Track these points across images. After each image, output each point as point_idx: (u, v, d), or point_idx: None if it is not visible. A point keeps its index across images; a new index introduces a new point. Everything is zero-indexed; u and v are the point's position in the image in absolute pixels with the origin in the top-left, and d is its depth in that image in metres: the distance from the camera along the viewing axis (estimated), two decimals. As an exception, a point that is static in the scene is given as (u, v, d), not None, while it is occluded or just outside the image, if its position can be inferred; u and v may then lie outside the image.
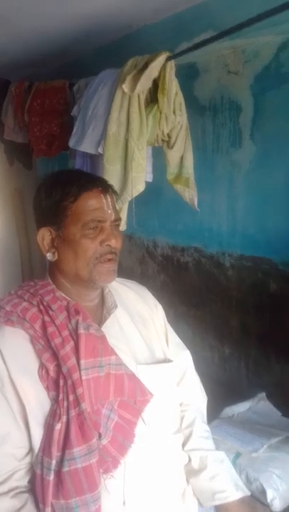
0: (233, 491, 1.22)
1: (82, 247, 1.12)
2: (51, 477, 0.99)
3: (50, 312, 1.10)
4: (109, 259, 1.15)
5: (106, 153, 2.06)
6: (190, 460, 1.26)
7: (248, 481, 1.39)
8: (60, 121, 2.65)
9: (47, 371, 1.05)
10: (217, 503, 1.21)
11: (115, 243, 1.14)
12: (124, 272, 3.37)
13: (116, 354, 1.11)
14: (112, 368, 1.09)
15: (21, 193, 4.27)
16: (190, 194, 2.15)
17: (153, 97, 2.06)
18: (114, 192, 1.22)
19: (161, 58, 1.94)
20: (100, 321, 1.19)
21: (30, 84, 2.83)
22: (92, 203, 1.13)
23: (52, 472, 0.99)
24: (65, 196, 1.13)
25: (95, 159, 2.26)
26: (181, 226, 2.82)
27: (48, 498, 0.99)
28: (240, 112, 2.35)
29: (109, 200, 1.16)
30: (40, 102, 2.73)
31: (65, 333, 1.07)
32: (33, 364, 1.07)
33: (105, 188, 1.17)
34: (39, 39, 2.77)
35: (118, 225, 1.19)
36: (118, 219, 1.19)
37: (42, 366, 1.06)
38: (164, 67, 1.97)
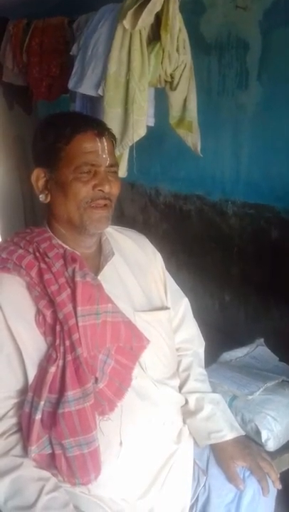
0: (228, 430, 1.25)
1: (73, 190, 1.09)
2: (38, 416, 1.01)
3: (47, 259, 1.09)
4: (102, 205, 1.12)
5: (106, 94, 1.99)
6: (187, 402, 1.28)
7: (244, 422, 1.42)
8: (59, 62, 2.55)
9: (44, 317, 1.06)
10: (212, 442, 1.24)
11: (109, 189, 1.11)
12: (127, 221, 3.37)
13: (112, 302, 1.11)
14: (108, 316, 1.09)
15: (22, 140, 4.20)
16: (193, 139, 2.09)
17: (155, 33, 1.96)
18: (113, 136, 1.17)
19: (164, -9, 1.82)
20: (98, 269, 1.19)
21: (28, 22, 2.70)
22: (85, 145, 1.09)
23: (39, 412, 1.01)
24: (58, 138, 1.10)
25: (96, 102, 2.18)
26: (183, 173, 2.76)
27: (32, 437, 1.01)
28: (247, 50, 2.24)
29: (105, 144, 1.11)
30: (38, 41, 2.62)
31: (62, 280, 1.07)
32: (30, 310, 1.08)
33: (101, 131, 1.12)
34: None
35: (115, 172, 1.15)
36: (114, 164, 1.15)
37: (39, 312, 1.07)
38: (167, 1, 1.86)
